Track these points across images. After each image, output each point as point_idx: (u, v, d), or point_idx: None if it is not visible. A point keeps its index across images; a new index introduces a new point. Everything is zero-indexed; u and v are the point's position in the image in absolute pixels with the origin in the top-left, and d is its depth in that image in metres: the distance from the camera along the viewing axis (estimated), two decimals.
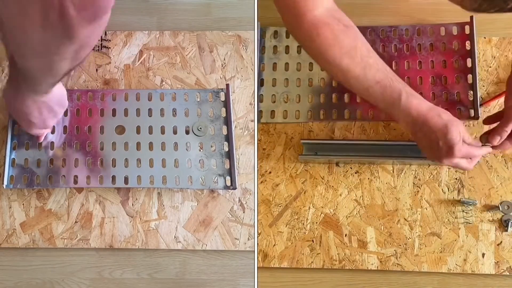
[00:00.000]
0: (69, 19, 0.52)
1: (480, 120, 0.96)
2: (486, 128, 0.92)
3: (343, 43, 0.80)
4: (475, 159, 0.85)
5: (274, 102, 1.01)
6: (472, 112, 0.96)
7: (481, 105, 0.97)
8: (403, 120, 0.83)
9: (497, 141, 0.85)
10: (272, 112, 1.01)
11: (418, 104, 0.82)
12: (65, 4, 0.51)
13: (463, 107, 0.97)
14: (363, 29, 0.99)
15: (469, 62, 0.99)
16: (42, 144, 0.93)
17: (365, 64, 0.81)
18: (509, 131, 0.84)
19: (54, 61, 0.61)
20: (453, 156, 0.81)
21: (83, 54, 0.61)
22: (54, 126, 0.94)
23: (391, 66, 0.98)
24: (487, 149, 0.86)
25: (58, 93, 0.83)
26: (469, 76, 0.98)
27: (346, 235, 0.93)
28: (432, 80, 0.99)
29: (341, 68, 0.81)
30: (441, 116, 0.81)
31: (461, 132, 0.81)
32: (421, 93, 0.97)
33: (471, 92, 0.97)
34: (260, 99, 1.01)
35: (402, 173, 0.95)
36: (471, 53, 0.99)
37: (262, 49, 1.04)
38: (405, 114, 0.82)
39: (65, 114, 0.95)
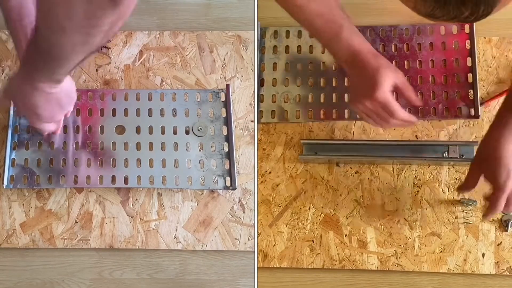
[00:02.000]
0: None
1: (480, 120, 0.96)
2: (486, 127, 0.91)
3: None
4: (393, 119, 0.84)
5: (274, 102, 1.01)
6: (472, 111, 0.96)
7: (481, 104, 0.97)
8: (342, 55, 0.84)
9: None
10: (272, 112, 1.00)
11: (360, 43, 0.83)
12: None
13: (463, 106, 0.97)
14: (363, 29, 0.99)
15: (469, 61, 0.99)
16: (44, 140, 0.93)
17: None
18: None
19: (91, 35, 0.62)
20: (375, 96, 0.81)
21: (117, 26, 0.62)
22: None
23: None
24: (410, 117, 0.85)
25: (68, 85, 0.83)
26: (469, 75, 0.98)
27: (346, 235, 0.93)
28: (432, 79, 0.99)
29: None
30: (378, 58, 0.83)
31: (393, 78, 0.82)
32: (421, 92, 0.98)
33: (471, 91, 0.97)
34: (260, 99, 1.01)
35: (402, 173, 0.95)
36: (471, 52, 0.99)
37: (262, 49, 1.04)
38: (345, 49, 0.83)
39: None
